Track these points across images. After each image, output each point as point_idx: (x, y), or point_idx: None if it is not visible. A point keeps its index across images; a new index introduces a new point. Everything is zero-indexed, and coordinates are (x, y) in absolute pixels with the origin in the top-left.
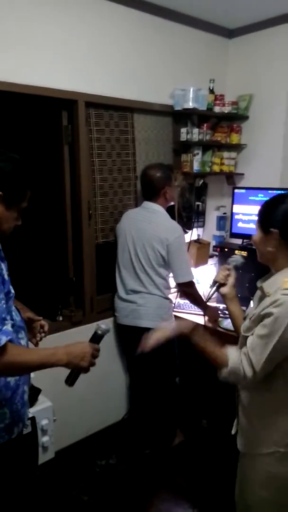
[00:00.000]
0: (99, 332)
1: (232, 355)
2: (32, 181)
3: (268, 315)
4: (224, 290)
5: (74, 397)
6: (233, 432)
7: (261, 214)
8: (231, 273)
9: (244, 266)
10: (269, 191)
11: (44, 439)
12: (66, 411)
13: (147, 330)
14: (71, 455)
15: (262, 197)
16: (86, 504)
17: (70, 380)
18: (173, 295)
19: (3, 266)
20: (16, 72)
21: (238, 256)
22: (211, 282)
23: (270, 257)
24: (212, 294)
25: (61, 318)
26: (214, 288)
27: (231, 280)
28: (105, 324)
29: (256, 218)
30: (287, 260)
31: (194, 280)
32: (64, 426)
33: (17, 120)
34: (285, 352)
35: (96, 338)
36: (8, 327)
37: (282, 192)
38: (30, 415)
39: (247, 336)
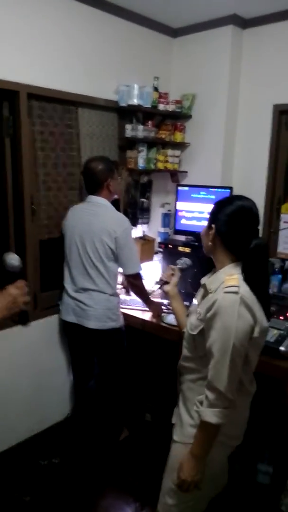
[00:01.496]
0: (11, 269)
1: (202, 413)
2: None
3: (212, 318)
4: (167, 287)
5: (16, 397)
6: (173, 421)
7: (211, 210)
8: (176, 273)
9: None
10: (211, 189)
11: None
12: (7, 411)
13: (93, 330)
14: (13, 457)
15: (204, 195)
16: (28, 504)
17: (19, 321)
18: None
19: None
20: None
21: (186, 259)
22: (157, 280)
23: (210, 250)
24: (155, 290)
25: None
26: (158, 285)
27: (174, 279)
28: (10, 257)
29: (199, 215)
30: (225, 257)
31: (142, 273)
32: (5, 428)
33: None
34: (242, 352)
35: (13, 276)
36: None
37: (226, 190)
38: None
39: (194, 335)
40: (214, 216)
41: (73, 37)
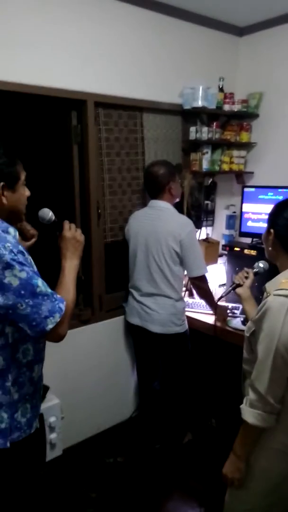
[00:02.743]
0: (48, 222)
1: (244, 411)
2: (15, 150)
3: (260, 320)
4: (239, 290)
5: (83, 395)
6: None
7: (269, 213)
8: (250, 276)
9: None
10: (279, 190)
11: (52, 436)
12: (75, 408)
13: (157, 335)
14: (80, 453)
15: (271, 196)
16: (94, 501)
17: None
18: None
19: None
20: (26, 73)
21: (264, 263)
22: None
23: (272, 256)
24: (228, 292)
25: None
26: (231, 287)
27: (247, 282)
28: (45, 212)
29: (265, 216)
30: (286, 261)
31: (207, 275)
32: (73, 424)
33: (28, 120)
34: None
35: (55, 226)
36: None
37: None
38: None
39: (248, 336)
40: (272, 220)
41: (137, 43)
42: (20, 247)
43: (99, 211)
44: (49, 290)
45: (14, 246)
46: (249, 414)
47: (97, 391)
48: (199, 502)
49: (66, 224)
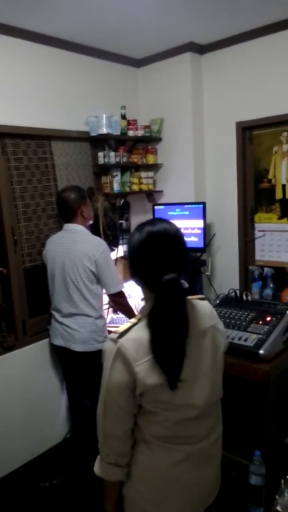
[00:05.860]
0: None
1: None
2: None
3: None
4: None
5: (12, 423)
6: None
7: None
8: None
9: None
10: (185, 206)
11: None
12: (5, 437)
13: (80, 353)
14: (14, 481)
15: (179, 212)
16: None
17: None
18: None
19: None
20: None
21: (183, 282)
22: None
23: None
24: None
25: None
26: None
27: None
28: None
29: None
30: (148, 294)
31: (125, 291)
32: (4, 453)
33: None
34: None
35: None
36: None
37: (199, 206)
38: None
39: None
40: (129, 257)
41: (41, 77)
42: None
43: (15, 237)
44: None
45: None
46: (96, 463)
47: (28, 417)
48: None
49: None
